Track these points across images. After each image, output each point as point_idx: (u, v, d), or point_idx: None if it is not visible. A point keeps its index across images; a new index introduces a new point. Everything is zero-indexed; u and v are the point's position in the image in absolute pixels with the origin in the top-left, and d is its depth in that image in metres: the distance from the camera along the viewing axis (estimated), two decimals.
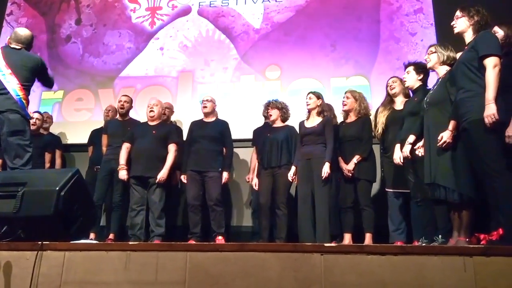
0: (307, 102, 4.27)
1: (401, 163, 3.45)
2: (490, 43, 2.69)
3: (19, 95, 3.34)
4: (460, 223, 2.89)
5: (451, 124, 2.89)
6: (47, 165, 5.01)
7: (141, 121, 4.93)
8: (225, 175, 4.45)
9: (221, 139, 4.55)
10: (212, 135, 4.51)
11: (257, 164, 4.54)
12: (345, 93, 4.25)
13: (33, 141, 4.85)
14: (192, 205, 4.37)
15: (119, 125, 4.84)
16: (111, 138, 4.79)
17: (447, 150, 2.91)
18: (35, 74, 3.59)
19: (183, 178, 4.50)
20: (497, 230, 2.50)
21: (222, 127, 4.60)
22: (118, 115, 4.97)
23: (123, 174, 4.45)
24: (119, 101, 4.91)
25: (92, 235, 4.35)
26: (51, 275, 2.27)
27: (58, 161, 5.16)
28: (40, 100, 5.82)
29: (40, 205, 2.48)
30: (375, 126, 3.97)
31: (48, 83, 3.79)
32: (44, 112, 5.40)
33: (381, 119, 3.88)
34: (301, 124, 4.30)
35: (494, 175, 2.55)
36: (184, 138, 4.88)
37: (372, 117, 4.13)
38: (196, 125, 4.66)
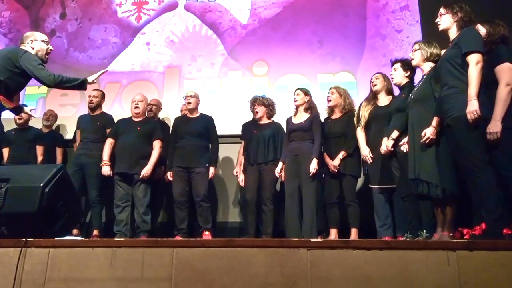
0: (294, 98, 4.28)
1: (387, 152, 3.48)
2: (473, 40, 2.72)
3: None
4: (443, 218, 2.93)
5: (435, 121, 2.92)
6: (40, 158, 4.92)
7: (126, 116, 4.89)
8: (211, 170, 4.44)
9: (207, 135, 4.54)
10: (197, 130, 4.49)
11: (243, 159, 4.53)
12: (330, 89, 4.28)
13: (21, 136, 4.84)
14: (179, 201, 4.36)
15: (90, 120, 4.80)
16: (82, 133, 4.75)
17: (430, 146, 2.95)
18: (14, 67, 3.21)
19: (169, 175, 4.48)
20: (480, 225, 2.54)
21: (207, 123, 4.59)
22: (88, 109, 4.91)
23: (106, 170, 4.42)
24: (89, 96, 4.86)
25: (75, 231, 4.31)
26: (35, 272, 2.24)
27: (42, 156, 5.06)
28: (24, 95, 5.73)
29: (24, 201, 2.45)
30: (359, 119, 3.97)
31: (36, 80, 3.29)
32: (48, 109, 5.32)
33: (364, 113, 3.91)
34: (289, 120, 4.31)
35: (476, 171, 2.58)
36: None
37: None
38: (181, 121, 4.64)
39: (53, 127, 5.32)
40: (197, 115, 4.65)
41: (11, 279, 2.21)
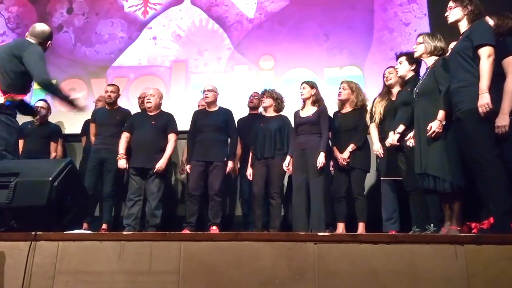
0: (301, 92, 4.26)
1: (391, 145, 3.46)
2: (485, 33, 2.70)
3: None
4: (451, 212, 2.91)
5: (441, 114, 2.90)
6: (53, 154, 4.96)
7: (133, 111, 4.90)
8: (229, 164, 4.44)
9: (225, 128, 4.54)
10: (216, 124, 4.49)
11: (251, 154, 4.53)
12: (341, 83, 4.23)
13: (37, 131, 4.87)
14: (192, 195, 4.37)
15: (107, 114, 4.81)
16: (100, 127, 4.75)
17: (436, 140, 2.93)
18: (20, 61, 3.21)
19: (188, 168, 4.50)
20: (488, 219, 2.53)
21: (226, 116, 4.58)
22: (106, 104, 4.93)
23: (122, 163, 4.44)
24: (106, 91, 4.87)
25: (85, 225, 4.35)
26: (44, 265, 2.27)
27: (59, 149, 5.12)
28: (32, 90, 5.75)
29: (33, 195, 2.47)
30: (372, 116, 3.94)
31: (30, 72, 3.21)
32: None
33: (379, 109, 3.88)
34: (296, 113, 4.30)
35: (485, 164, 2.57)
36: (179, 127, 4.88)
37: (368, 108, 4.12)
38: (200, 115, 4.64)
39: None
40: (216, 108, 4.63)
41: (21, 272, 2.24)
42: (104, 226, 4.54)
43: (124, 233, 2.59)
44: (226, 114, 4.60)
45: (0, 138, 3.10)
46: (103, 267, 2.24)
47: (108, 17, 6.05)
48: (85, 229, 4.13)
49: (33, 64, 3.21)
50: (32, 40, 3.40)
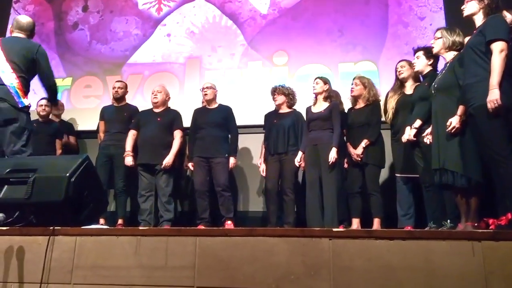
0: (313, 87, 4.26)
1: (409, 141, 3.44)
2: (498, 28, 2.65)
3: (12, 84, 3.26)
4: (467, 208, 2.88)
5: (460, 109, 2.87)
6: (59, 151, 5.03)
7: (147, 108, 4.94)
8: (232, 160, 4.47)
9: (225, 125, 4.56)
10: (216, 121, 4.52)
11: (264, 150, 4.54)
12: (354, 79, 4.23)
13: (42, 128, 4.95)
14: (200, 191, 4.41)
15: (115, 111, 4.88)
16: (108, 124, 4.83)
17: (455, 136, 2.89)
18: (31, 61, 3.39)
19: (190, 165, 4.53)
20: (505, 215, 2.49)
21: (225, 113, 4.61)
22: (114, 100, 4.98)
23: (129, 161, 4.50)
24: (113, 87, 4.95)
25: (102, 221, 4.40)
26: (63, 259, 2.30)
27: (61, 150, 5.16)
28: None
29: (51, 191, 2.50)
30: (386, 111, 3.94)
31: (43, 76, 3.45)
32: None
33: (392, 104, 3.86)
34: (308, 109, 4.30)
35: (500, 161, 2.54)
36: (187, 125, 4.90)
37: (382, 103, 4.10)
38: (200, 112, 4.68)
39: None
40: (216, 105, 4.67)
41: (40, 266, 2.28)
42: (120, 221, 4.60)
43: (140, 228, 2.62)
44: (225, 111, 4.62)
45: (23, 135, 3.29)
46: (120, 262, 2.26)
47: (122, 15, 6.09)
48: (102, 224, 4.19)
49: (48, 70, 3.47)
50: (22, 35, 3.49)
